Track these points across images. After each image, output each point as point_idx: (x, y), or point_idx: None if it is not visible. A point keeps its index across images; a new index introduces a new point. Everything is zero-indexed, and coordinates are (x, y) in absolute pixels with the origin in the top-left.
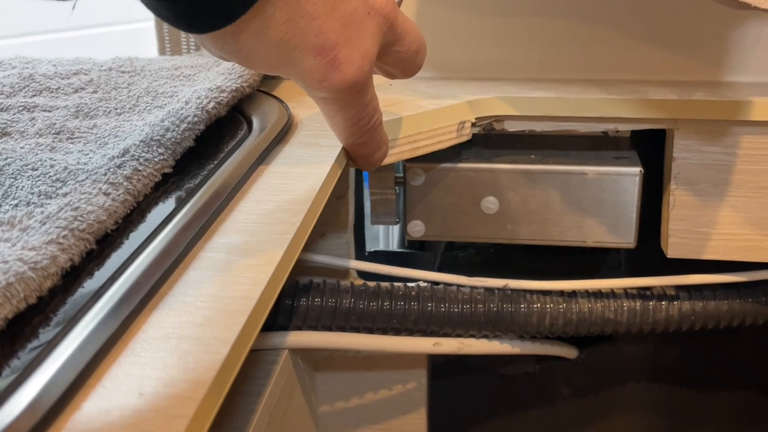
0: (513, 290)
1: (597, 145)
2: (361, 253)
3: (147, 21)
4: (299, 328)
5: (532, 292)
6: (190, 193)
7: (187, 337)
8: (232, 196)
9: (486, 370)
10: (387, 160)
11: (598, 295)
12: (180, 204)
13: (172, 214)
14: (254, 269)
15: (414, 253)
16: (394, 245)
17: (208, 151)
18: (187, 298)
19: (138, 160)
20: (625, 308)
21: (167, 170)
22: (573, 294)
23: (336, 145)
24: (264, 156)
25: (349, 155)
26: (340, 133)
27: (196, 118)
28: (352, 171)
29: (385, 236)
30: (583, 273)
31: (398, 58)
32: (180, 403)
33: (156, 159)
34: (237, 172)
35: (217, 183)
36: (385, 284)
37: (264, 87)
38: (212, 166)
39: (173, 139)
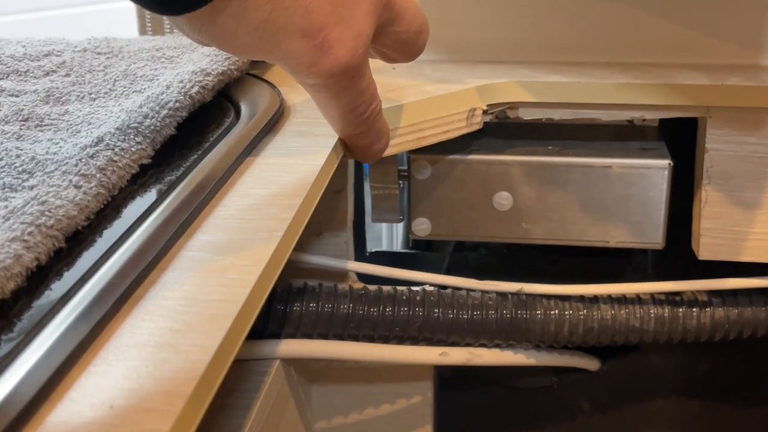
0: (528, 295)
1: (621, 135)
2: (361, 254)
3: None
4: (292, 336)
5: (549, 297)
6: (171, 187)
7: (164, 344)
8: (217, 189)
9: (498, 383)
10: (389, 152)
11: (622, 300)
12: (159, 198)
13: (150, 209)
14: (240, 270)
15: (419, 254)
16: (397, 245)
17: (191, 141)
18: (165, 302)
19: (113, 149)
20: (652, 315)
21: (145, 161)
22: (594, 299)
23: (333, 135)
24: (253, 146)
25: (346, 146)
26: (335, 124)
27: (177, 104)
28: (351, 163)
29: (388, 235)
30: (605, 276)
31: (397, 39)
32: (155, 418)
33: (133, 148)
34: (222, 163)
35: (200, 175)
36: (387, 288)
37: (254, 70)
38: (195, 156)
39: (152, 127)
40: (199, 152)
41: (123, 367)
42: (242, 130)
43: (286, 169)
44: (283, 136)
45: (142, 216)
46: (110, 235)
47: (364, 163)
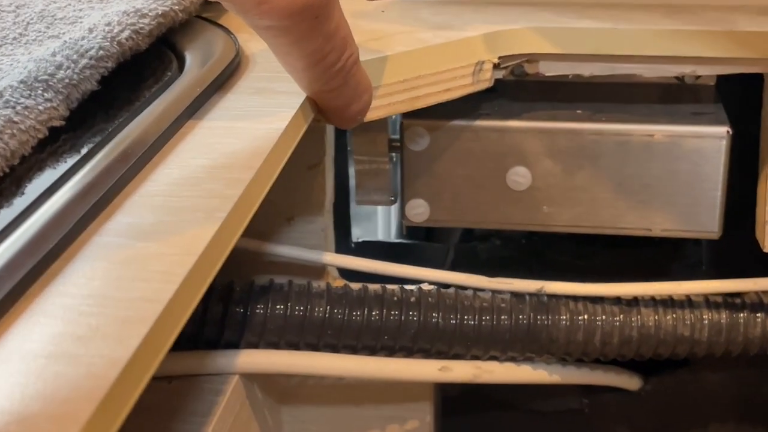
0: (551, 296)
1: (668, 97)
2: (345, 244)
3: None
4: (254, 346)
5: (576, 298)
6: (88, 155)
7: (61, 354)
8: (147, 159)
9: (515, 405)
10: (374, 114)
11: (668, 303)
12: (72, 169)
13: (59, 183)
14: (167, 260)
15: (418, 244)
16: (392, 233)
17: (119, 99)
18: (68, 300)
19: (14, 107)
20: (706, 322)
21: (57, 123)
22: (633, 302)
23: (300, 93)
24: (196, 106)
25: (318, 108)
26: (300, 79)
27: (102, 52)
28: (329, 130)
29: (385, 221)
30: (647, 273)
31: None
32: None
33: (41, 107)
34: (156, 126)
35: (126, 141)
36: (374, 287)
37: (205, 13)
38: (123, 118)
39: (67, 80)
40: (128, 113)
41: (5, 385)
42: (185, 85)
43: (237, 135)
44: (237, 93)
45: (48, 191)
46: (6, 215)
47: (341, 128)
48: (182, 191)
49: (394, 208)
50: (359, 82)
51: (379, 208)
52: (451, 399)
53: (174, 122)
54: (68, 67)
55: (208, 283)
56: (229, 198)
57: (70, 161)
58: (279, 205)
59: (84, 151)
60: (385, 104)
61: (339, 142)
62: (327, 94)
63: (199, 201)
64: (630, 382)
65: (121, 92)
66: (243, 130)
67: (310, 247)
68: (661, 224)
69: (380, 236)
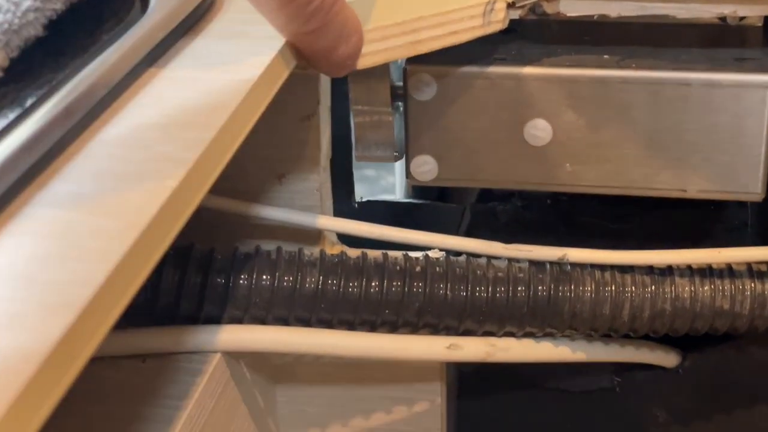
0: (574, 265)
1: (707, 40)
2: (347, 205)
3: None
4: (238, 321)
5: (603, 267)
6: (27, 112)
7: None
8: (94, 115)
9: (537, 384)
10: (367, 61)
11: (706, 273)
12: (6, 128)
13: None
14: (105, 236)
15: (429, 205)
16: (400, 192)
17: (72, 45)
18: None
19: None
20: (748, 293)
21: None
22: (667, 271)
23: (279, 37)
24: (159, 52)
25: (301, 54)
26: (274, 19)
27: None
28: (325, 79)
29: (401, 176)
30: (683, 239)
31: None
32: None
33: None
34: (108, 77)
35: (71, 95)
36: (374, 254)
37: None
38: (72, 68)
39: (6, 26)
40: (80, 61)
41: None
42: (146, 28)
43: (202, 86)
44: (207, 38)
45: None
46: None
47: (329, 75)
48: (131, 154)
49: (399, 165)
50: (344, 23)
51: (387, 165)
52: (467, 376)
53: (130, 72)
54: (8, 11)
55: (155, 261)
56: (182, 163)
57: (7, 119)
58: (268, 161)
59: (27, 104)
60: (381, 49)
61: (340, 89)
62: (307, 37)
63: (149, 165)
64: (666, 358)
65: (74, 37)
66: (209, 81)
67: (303, 209)
68: (697, 184)
69: (393, 196)
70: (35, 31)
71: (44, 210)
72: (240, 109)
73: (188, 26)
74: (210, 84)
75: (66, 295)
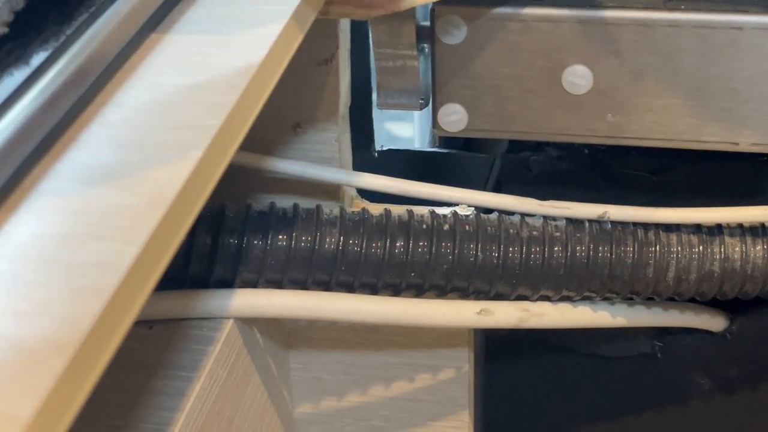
0: (615, 223)
1: None
2: (366, 154)
3: None
4: (252, 285)
5: (647, 226)
6: (36, 74)
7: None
8: (107, 77)
9: (574, 348)
10: (394, 5)
11: (757, 232)
12: (16, 93)
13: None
14: (128, 213)
15: (455, 154)
16: (424, 141)
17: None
18: (9, 266)
19: None
20: None
21: None
22: (717, 230)
23: None
24: (163, 12)
25: None
26: None
27: None
28: (344, 20)
29: (424, 121)
30: (733, 194)
31: None
32: None
33: None
34: (119, 33)
35: (81, 55)
36: (398, 211)
37: None
38: (77, 22)
39: None
40: (87, 14)
41: None
42: None
43: (220, 45)
44: None
45: None
46: None
47: (359, 17)
48: (151, 120)
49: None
50: None
51: (413, 115)
52: (496, 340)
53: (143, 26)
54: None
55: (181, 238)
56: (207, 130)
57: (14, 82)
58: (282, 110)
59: (34, 62)
60: None
61: (356, 32)
62: None
63: (170, 134)
64: (712, 322)
65: None
66: (226, 42)
67: (320, 161)
68: (750, 137)
69: (415, 144)
70: None
71: (62, 184)
72: (263, 66)
73: None
74: (229, 44)
75: (93, 279)
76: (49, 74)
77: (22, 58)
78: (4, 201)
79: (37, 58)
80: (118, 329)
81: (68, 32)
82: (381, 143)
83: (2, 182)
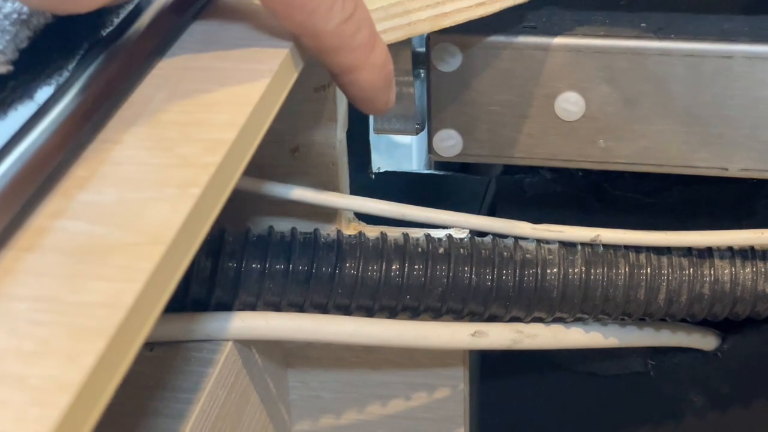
0: (607, 246)
1: (752, 7)
2: (362, 175)
3: None
4: (251, 307)
5: (638, 248)
6: (42, 111)
7: (4, 377)
8: (110, 113)
9: (568, 366)
10: (395, 35)
11: (747, 254)
12: (21, 131)
13: (5, 150)
14: (130, 252)
15: (451, 176)
16: (421, 163)
17: (80, 23)
18: (15, 305)
19: None
20: None
21: (3, 69)
22: (707, 252)
23: None
24: (171, 39)
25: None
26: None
27: None
28: None
29: (421, 144)
30: (726, 216)
31: None
32: None
33: None
34: (120, 68)
35: (85, 91)
36: (394, 234)
37: None
38: (83, 55)
39: (15, 15)
40: (90, 48)
41: None
42: (152, 15)
43: (219, 77)
44: (221, 20)
45: None
46: None
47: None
48: (151, 157)
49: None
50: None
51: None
52: (490, 359)
53: (143, 62)
54: None
55: (181, 273)
56: (206, 167)
57: (19, 119)
58: (281, 134)
59: (37, 96)
60: (405, 24)
61: None
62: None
63: (169, 172)
64: (704, 341)
65: (77, 25)
66: (227, 71)
67: (318, 185)
68: (739, 163)
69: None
70: (45, 19)
71: (66, 222)
72: (261, 102)
73: (198, 10)
74: (228, 73)
75: (96, 318)
76: (51, 114)
77: (26, 93)
78: (8, 241)
79: (41, 92)
80: (121, 365)
81: (70, 66)
82: (381, 145)
83: (7, 222)
